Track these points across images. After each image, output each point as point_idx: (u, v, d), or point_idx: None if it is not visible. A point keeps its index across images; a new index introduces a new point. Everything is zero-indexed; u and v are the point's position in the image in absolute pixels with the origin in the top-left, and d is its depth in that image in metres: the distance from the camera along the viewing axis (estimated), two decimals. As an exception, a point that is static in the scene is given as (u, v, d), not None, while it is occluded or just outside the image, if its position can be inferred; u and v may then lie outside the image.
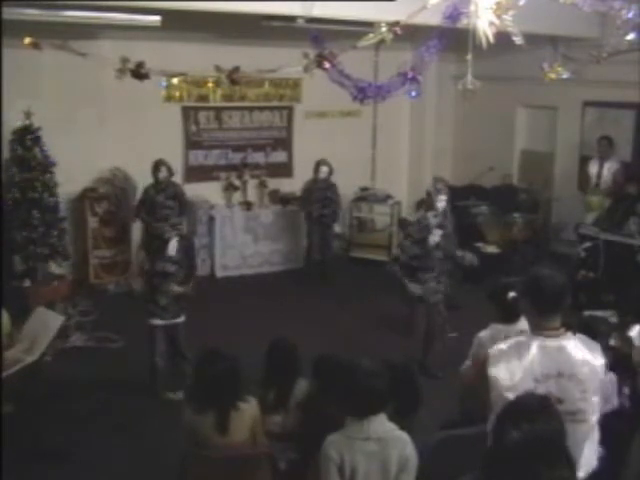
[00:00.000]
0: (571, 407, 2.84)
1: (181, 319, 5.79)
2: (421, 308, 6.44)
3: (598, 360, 2.93)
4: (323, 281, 8.80)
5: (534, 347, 2.86)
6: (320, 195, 8.79)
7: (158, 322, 5.69)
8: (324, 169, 8.73)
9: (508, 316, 4.02)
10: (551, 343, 2.87)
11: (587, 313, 6.35)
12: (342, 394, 3.22)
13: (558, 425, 2.34)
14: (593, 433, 2.98)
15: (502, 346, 2.92)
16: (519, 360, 2.84)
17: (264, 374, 4.22)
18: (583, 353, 2.90)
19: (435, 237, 6.17)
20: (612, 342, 4.24)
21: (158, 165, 7.80)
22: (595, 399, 2.92)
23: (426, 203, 6.67)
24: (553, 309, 2.90)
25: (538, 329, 2.91)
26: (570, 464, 2.16)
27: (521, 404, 2.40)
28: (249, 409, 3.78)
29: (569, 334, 2.92)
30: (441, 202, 6.23)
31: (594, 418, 2.95)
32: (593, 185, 8.44)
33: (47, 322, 5.63)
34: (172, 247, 5.65)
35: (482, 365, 2.91)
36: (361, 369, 3.18)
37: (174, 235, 5.71)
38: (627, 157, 8.44)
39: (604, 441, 3.12)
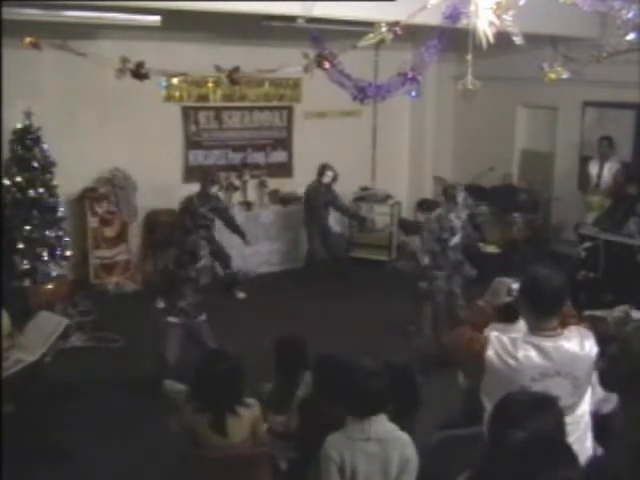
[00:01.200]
0: (565, 402, 2.86)
1: (202, 317, 5.91)
2: (426, 306, 6.51)
3: (592, 350, 2.95)
4: (344, 279, 8.78)
5: (531, 347, 2.87)
6: (323, 199, 8.80)
7: (174, 320, 5.79)
8: (329, 173, 8.73)
9: (508, 316, 4.02)
10: (548, 343, 2.87)
11: (587, 313, 6.35)
12: (342, 394, 3.22)
13: (559, 424, 2.34)
14: (586, 421, 3.00)
15: (503, 337, 2.93)
16: (515, 357, 2.85)
17: (273, 371, 4.24)
18: (579, 349, 2.91)
19: (457, 239, 6.26)
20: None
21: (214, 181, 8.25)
22: (587, 389, 2.96)
23: (446, 204, 6.67)
24: (551, 310, 2.90)
25: (536, 329, 2.92)
26: (574, 463, 2.14)
27: (522, 402, 2.39)
28: (249, 414, 3.75)
29: (566, 332, 2.93)
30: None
31: (585, 407, 2.99)
32: (593, 185, 8.44)
33: (50, 324, 5.63)
34: (202, 262, 5.82)
35: (481, 347, 2.92)
36: (361, 369, 3.19)
37: (207, 252, 5.94)
38: (627, 157, 8.45)
39: (604, 440, 3.13)
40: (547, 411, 2.31)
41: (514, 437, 2.17)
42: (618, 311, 5.92)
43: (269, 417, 4.04)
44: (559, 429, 2.30)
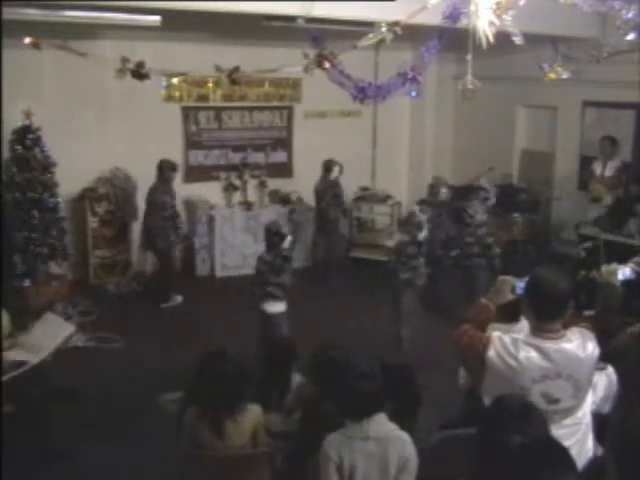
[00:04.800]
0: (565, 404, 2.86)
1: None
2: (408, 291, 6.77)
3: (594, 352, 2.95)
4: (324, 282, 8.79)
5: (532, 348, 2.86)
6: (330, 194, 8.84)
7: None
8: (336, 169, 8.82)
9: (509, 315, 4.01)
10: (550, 345, 2.87)
11: (587, 313, 6.34)
12: (336, 396, 3.22)
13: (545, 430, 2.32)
14: (586, 423, 3.00)
15: (504, 338, 2.92)
16: (516, 358, 2.85)
17: (265, 374, 4.23)
18: (581, 351, 2.91)
19: (424, 233, 6.71)
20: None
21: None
22: (588, 390, 2.96)
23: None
24: (554, 315, 2.89)
25: (538, 331, 2.91)
26: (573, 467, 2.13)
27: (522, 405, 2.39)
28: (248, 419, 3.73)
29: (568, 334, 2.92)
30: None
31: (586, 409, 2.98)
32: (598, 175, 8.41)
33: (57, 328, 5.61)
34: (287, 242, 6.05)
35: (483, 347, 2.91)
36: (351, 372, 3.16)
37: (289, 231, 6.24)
38: (627, 157, 8.44)
39: (604, 440, 3.13)
40: (533, 418, 2.30)
41: (515, 441, 2.17)
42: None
43: (266, 417, 4.04)
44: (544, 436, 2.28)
